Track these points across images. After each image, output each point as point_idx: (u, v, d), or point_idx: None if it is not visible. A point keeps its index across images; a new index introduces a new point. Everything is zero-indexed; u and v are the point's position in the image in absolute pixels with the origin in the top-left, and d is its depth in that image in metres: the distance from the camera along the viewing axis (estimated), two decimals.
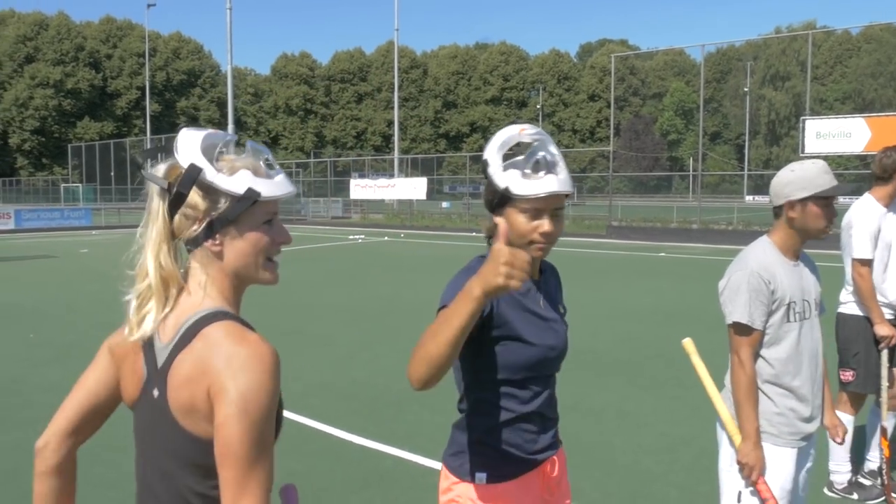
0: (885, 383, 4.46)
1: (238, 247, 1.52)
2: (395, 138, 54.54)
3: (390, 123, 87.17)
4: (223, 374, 1.39)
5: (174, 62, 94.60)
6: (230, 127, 37.58)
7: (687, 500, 4.64)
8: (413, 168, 61.31)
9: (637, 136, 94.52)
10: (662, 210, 37.97)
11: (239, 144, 1.57)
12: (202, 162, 1.48)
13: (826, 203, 2.81)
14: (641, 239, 27.28)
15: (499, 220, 2.01)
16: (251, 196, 1.49)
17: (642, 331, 9.93)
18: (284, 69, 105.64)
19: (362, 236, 30.60)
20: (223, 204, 1.49)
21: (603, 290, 13.95)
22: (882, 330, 4.44)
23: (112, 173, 63.21)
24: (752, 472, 2.75)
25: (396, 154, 52.74)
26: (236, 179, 1.49)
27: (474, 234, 29.80)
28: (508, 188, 1.99)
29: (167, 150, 1.53)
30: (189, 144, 1.49)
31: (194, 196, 1.49)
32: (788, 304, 2.79)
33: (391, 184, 38.44)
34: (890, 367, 4.52)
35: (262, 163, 1.55)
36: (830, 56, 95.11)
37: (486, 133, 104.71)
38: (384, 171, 61.89)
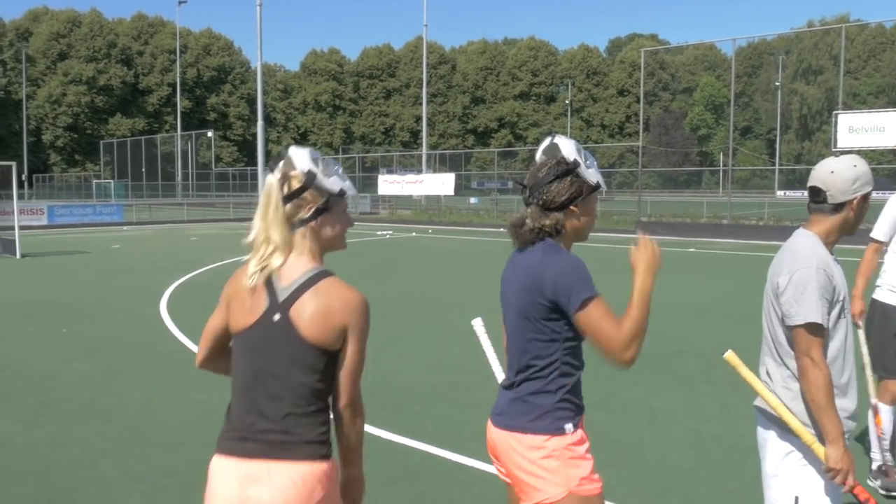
0: (866, 361, 4.50)
1: (331, 227, 2.24)
2: (423, 134, 54.45)
3: (418, 119, 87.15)
4: (351, 314, 2.18)
5: (205, 59, 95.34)
6: (259, 123, 37.55)
7: (716, 497, 4.61)
8: (441, 164, 61.31)
9: (667, 132, 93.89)
10: (692, 205, 37.67)
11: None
12: (315, 169, 2.16)
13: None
14: (671, 234, 27.05)
15: (641, 235, 2.58)
16: (343, 193, 2.22)
17: (671, 326, 9.85)
18: (313, 65, 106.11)
19: (390, 232, 30.69)
20: (324, 198, 2.18)
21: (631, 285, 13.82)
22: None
23: (143, 169, 63.89)
24: (847, 477, 2.58)
25: (424, 150, 52.72)
26: (332, 182, 2.19)
27: (503, 229, 29.72)
28: (599, 182, 2.54)
29: (281, 159, 2.21)
30: (302, 157, 2.18)
31: (306, 192, 2.16)
32: (843, 301, 2.71)
33: (419, 180, 38.51)
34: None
35: (339, 172, 2.23)
36: (864, 50, 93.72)
37: (515, 129, 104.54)
38: (412, 166, 61.90)
